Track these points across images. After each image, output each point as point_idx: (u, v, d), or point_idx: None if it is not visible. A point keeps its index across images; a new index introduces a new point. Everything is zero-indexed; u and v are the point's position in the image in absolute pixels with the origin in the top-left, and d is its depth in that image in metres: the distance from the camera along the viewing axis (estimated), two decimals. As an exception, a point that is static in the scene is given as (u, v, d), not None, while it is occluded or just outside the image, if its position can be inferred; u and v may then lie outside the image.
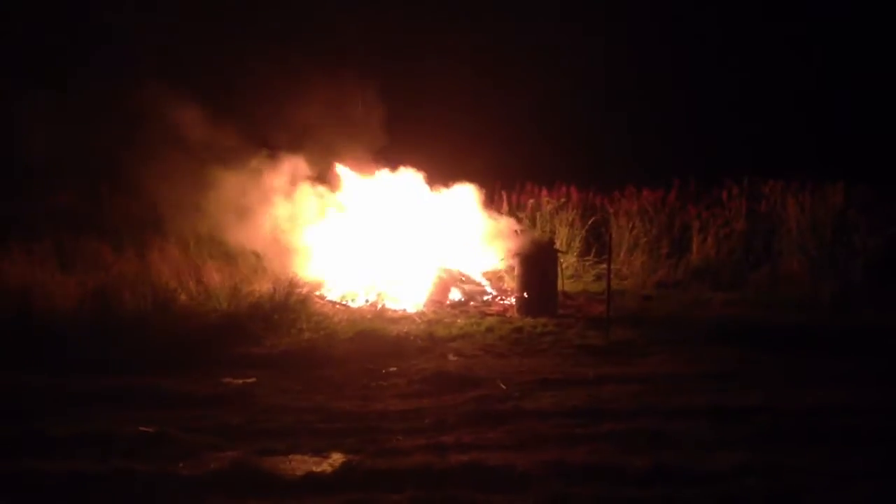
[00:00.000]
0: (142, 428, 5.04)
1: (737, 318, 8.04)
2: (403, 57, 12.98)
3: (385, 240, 9.01)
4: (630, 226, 10.57)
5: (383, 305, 8.54)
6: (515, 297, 8.56)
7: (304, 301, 8.23)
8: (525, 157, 12.18)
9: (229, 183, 8.98)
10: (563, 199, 10.91)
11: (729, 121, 13.80)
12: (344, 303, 8.62)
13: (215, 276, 8.18)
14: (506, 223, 9.42)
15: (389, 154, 9.33)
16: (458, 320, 8.09)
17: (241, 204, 9.08)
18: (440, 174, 9.33)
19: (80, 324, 7.16)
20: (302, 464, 4.54)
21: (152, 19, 9.85)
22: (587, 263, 10.32)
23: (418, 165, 9.32)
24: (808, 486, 4.19)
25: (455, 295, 8.90)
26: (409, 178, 9.29)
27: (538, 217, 10.80)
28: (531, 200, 11.04)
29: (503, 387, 5.94)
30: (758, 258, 9.92)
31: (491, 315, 8.34)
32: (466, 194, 9.32)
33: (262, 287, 8.17)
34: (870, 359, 6.68)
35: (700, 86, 14.21)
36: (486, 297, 9.00)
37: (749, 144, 12.98)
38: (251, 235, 9.18)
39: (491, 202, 10.77)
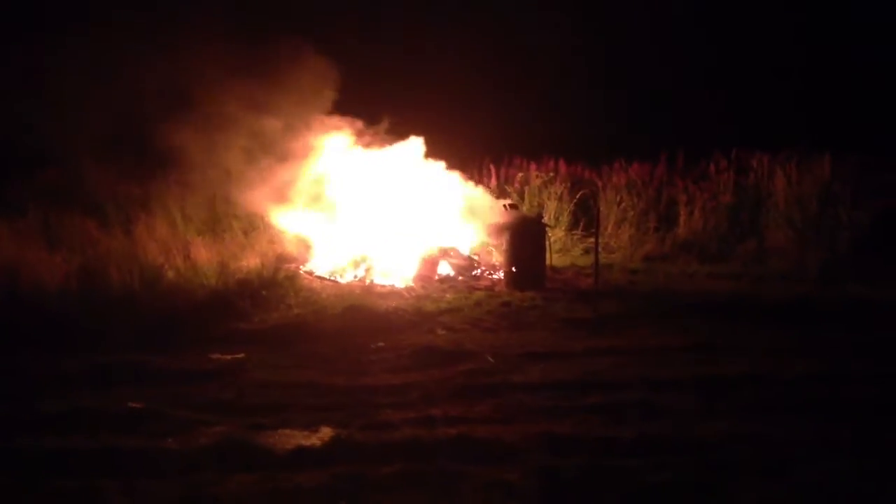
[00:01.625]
0: (131, 404, 5.05)
1: (724, 291, 8.10)
2: (390, 28, 12.87)
3: (373, 214, 8.99)
4: (618, 199, 10.60)
5: (372, 281, 8.54)
6: (504, 272, 8.59)
7: (293, 277, 8.25)
8: (513, 131, 12.15)
9: (216, 154, 8.90)
10: (551, 173, 10.90)
11: (715, 93, 13.79)
12: (332, 278, 8.62)
13: (203, 253, 8.15)
14: (494, 197, 9.41)
15: (376, 127, 9.27)
16: (447, 295, 8.11)
17: (228, 176, 9.03)
18: (428, 147, 9.29)
19: (67, 301, 7.14)
20: (291, 438, 4.57)
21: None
22: (575, 237, 10.34)
23: (405, 139, 9.27)
24: (794, 455, 4.25)
25: (444, 269, 8.91)
26: (397, 152, 9.25)
27: (526, 191, 10.79)
28: (519, 174, 11.03)
29: (491, 360, 5.97)
30: (744, 231, 9.97)
31: (479, 289, 8.36)
32: (455, 168, 9.29)
33: (251, 263, 8.16)
34: (855, 330, 6.75)
35: (686, 58, 14.18)
36: (474, 272, 9.02)
37: (736, 117, 12.99)
38: (239, 209, 9.14)
39: (479, 176, 10.77)
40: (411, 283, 8.47)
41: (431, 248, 8.95)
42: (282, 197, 8.99)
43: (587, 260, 9.28)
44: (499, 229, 8.73)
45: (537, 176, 10.87)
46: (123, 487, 3.96)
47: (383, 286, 8.39)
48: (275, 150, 8.93)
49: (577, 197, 10.45)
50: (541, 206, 10.50)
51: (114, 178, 10.25)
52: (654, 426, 4.63)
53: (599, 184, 10.81)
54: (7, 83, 9.08)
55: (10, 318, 6.79)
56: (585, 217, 10.33)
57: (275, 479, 4.03)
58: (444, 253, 9.04)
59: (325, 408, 5.07)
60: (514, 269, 8.38)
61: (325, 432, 4.63)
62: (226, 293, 7.59)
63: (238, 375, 5.79)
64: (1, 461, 4.27)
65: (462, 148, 9.49)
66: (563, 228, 10.36)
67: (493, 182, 10.87)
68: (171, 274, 7.91)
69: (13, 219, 8.67)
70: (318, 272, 8.74)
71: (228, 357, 6.17)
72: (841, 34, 14.28)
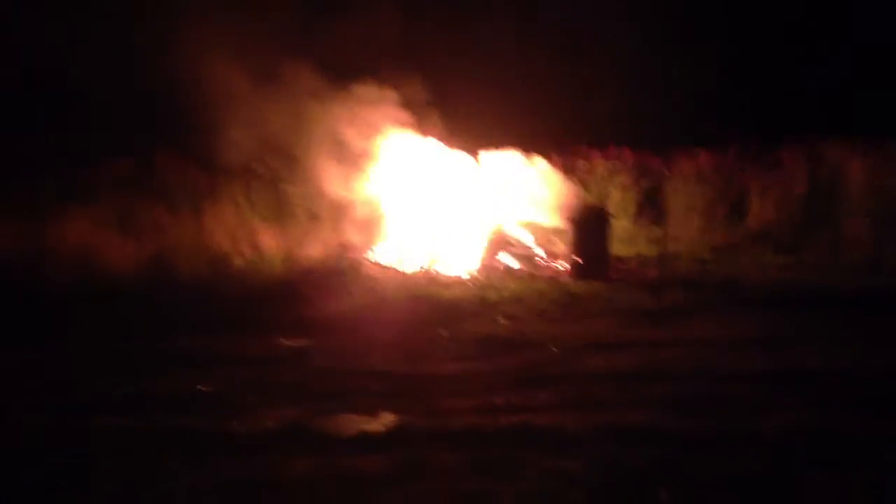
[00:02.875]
0: (199, 387, 5.17)
1: (795, 282, 7.87)
2: (453, 15, 12.77)
3: (437, 204, 8.99)
4: (686, 188, 10.34)
5: (435, 270, 8.55)
6: (568, 262, 8.50)
7: (356, 265, 8.31)
8: (579, 118, 11.96)
9: (283, 143, 9.01)
10: (616, 161, 10.71)
11: (790, 78, 13.34)
12: (395, 267, 8.65)
13: (269, 241, 8.30)
14: (560, 186, 9.30)
15: (441, 116, 9.24)
16: (510, 284, 8.06)
17: (294, 165, 9.14)
18: (493, 136, 9.23)
19: (138, 286, 7.37)
20: (355, 423, 4.60)
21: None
22: (641, 227, 10.15)
23: (470, 127, 9.23)
24: (863, 450, 4.10)
25: (507, 259, 8.86)
26: (462, 141, 9.21)
27: (591, 180, 10.63)
28: (584, 162, 10.87)
29: (554, 350, 5.92)
30: (819, 221, 9.64)
31: (543, 279, 8.30)
32: (519, 157, 9.22)
33: (316, 251, 8.26)
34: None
35: (760, 42, 13.75)
36: (538, 261, 8.94)
37: (811, 103, 12.55)
38: (304, 198, 9.25)
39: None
40: (474, 273, 8.45)
41: (495, 238, 8.91)
42: (347, 186, 9.06)
43: (653, 250, 9.11)
44: (563, 219, 8.64)
45: (602, 164, 10.69)
46: (192, 467, 4.04)
47: (446, 275, 8.39)
48: (339, 140, 8.98)
49: (644, 186, 10.26)
50: (606, 195, 10.33)
51: (184, 166, 10.49)
52: (720, 419, 4.52)
53: (667, 172, 10.58)
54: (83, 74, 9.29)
55: (84, 302, 7.02)
56: (652, 206, 10.13)
57: (338, 464, 4.06)
58: (508, 243, 8.99)
59: (387, 394, 5.10)
60: (578, 258, 8.29)
61: (388, 418, 4.66)
62: (291, 281, 7.73)
63: (303, 361, 5.88)
64: (75, 440, 4.41)
65: (527, 135, 9.37)
66: (628, 218, 10.18)
67: (559, 170, 10.72)
68: (238, 261, 8.09)
69: (87, 206, 8.94)
70: (381, 261, 8.79)
71: (293, 343, 6.26)
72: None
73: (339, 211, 9.30)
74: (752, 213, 9.96)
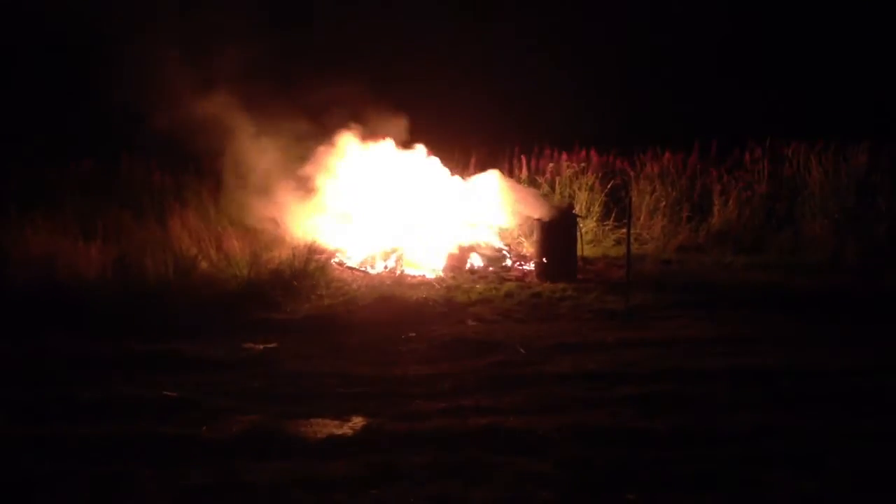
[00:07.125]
0: (165, 392, 5.12)
1: (758, 282, 7.99)
2: (418, 17, 12.80)
3: (404, 205, 8.99)
4: (650, 189, 10.46)
5: (402, 271, 8.56)
6: (534, 263, 8.55)
7: (324, 267, 8.27)
8: (544, 121, 12.04)
9: (250, 147, 8.97)
10: (582, 164, 10.80)
11: (752, 81, 13.57)
12: (363, 269, 8.65)
13: (235, 244, 8.23)
14: (526, 187, 9.36)
15: (406, 117, 9.24)
16: (477, 286, 8.09)
17: (261, 168, 9.09)
18: (458, 138, 9.25)
19: (103, 291, 7.25)
20: (323, 427, 4.60)
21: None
22: (607, 228, 10.24)
23: (436, 129, 9.24)
24: (831, 447, 4.19)
25: (474, 260, 8.89)
26: (428, 142, 9.22)
27: (557, 181, 10.72)
28: (550, 165, 10.95)
29: (522, 351, 5.95)
30: (780, 221, 9.81)
31: (510, 280, 8.33)
32: (485, 158, 9.26)
33: (282, 254, 8.22)
34: (893, 322, 6.63)
35: (721, 45, 13.96)
36: (505, 263, 8.99)
37: (772, 105, 12.77)
38: (271, 201, 9.20)
39: (510, 166, 10.72)
40: (442, 274, 8.47)
41: (462, 239, 8.93)
42: (313, 189, 9.04)
43: (619, 251, 9.20)
44: (530, 220, 8.69)
45: (568, 166, 10.78)
46: (158, 474, 4.01)
47: (414, 277, 8.40)
48: (307, 143, 8.96)
49: (609, 187, 10.37)
50: (572, 196, 10.42)
51: (149, 168, 10.39)
52: (686, 418, 4.59)
53: (632, 173, 10.70)
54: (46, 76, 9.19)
55: (47, 307, 6.91)
56: (617, 207, 10.23)
57: (307, 468, 4.06)
58: (475, 244, 9.02)
59: (356, 397, 5.09)
60: (545, 259, 8.34)
61: (357, 422, 4.66)
62: (258, 284, 7.66)
63: (270, 365, 5.84)
64: (38, 447, 4.34)
65: (493, 138, 9.41)
66: (594, 219, 10.27)
67: (524, 173, 10.81)
68: (204, 264, 8.01)
69: (50, 209, 8.80)
70: (348, 263, 8.78)
71: (261, 347, 6.23)
72: (879, 18, 13.98)
73: (304, 212, 9.26)
74: (715, 214, 10.10)
